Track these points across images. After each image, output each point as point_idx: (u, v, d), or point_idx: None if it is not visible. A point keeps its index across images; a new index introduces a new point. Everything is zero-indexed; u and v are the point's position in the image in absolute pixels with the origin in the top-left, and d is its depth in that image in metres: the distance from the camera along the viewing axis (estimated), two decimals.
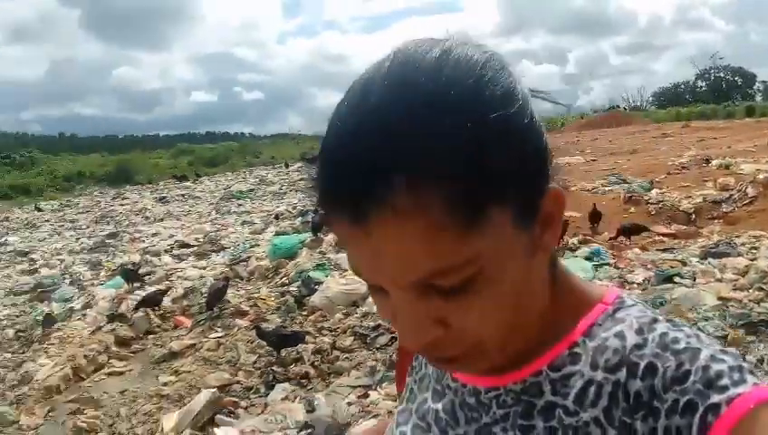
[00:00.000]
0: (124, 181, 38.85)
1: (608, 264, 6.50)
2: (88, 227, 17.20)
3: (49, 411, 5.16)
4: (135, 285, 8.48)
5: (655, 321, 0.59)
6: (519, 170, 0.52)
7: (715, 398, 0.50)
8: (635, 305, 0.62)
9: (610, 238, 7.72)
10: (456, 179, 0.48)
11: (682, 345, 0.55)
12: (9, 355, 6.74)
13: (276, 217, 13.44)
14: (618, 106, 58.37)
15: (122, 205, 22.87)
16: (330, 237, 8.79)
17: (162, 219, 17.04)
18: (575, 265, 6.14)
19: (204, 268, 9.28)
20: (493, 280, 0.53)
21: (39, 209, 24.26)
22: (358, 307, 6.30)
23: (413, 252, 0.50)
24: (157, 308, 7.19)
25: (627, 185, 11.32)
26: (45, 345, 6.76)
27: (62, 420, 4.98)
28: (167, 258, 10.46)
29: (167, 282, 8.68)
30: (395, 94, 0.50)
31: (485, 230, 0.51)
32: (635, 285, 5.68)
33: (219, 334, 6.31)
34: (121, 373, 5.86)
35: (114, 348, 6.39)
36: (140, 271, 9.11)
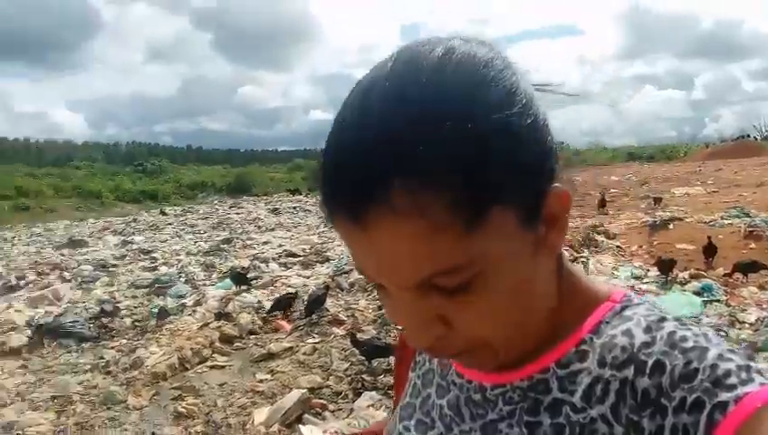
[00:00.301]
0: (242, 192, 41.16)
1: (718, 300, 6.11)
2: (205, 232, 18.37)
3: (154, 395, 5.59)
4: (242, 287, 8.98)
5: (663, 319, 0.59)
6: (521, 171, 0.52)
7: (723, 396, 0.50)
8: (642, 304, 0.62)
9: (725, 274, 7.26)
10: (455, 181, 0.48)
11: (690, 344, 0.55)
12: (125, 341, 7.33)
13: None
14: (748, 135, 54.22)
15: (238, 213, 24.27)
16: None
17: (273, 229, 17.89)
18: (682, 300, 5.81)
19: (308, 277, 9.65)
20: (495, 280, 0.53)
21: (164, 213, 26.24)
22: None
23: (413, 254, 0.49)
24: (289, 310, 7.59)
25: (749, 219, 10.53)
26: (157, 335, 7.30)
27: (165, 404, 5.38)
28: (274, 265, 10.96)
29: (272, 287, 9.12)
30: (396, 95, 0.50)
31: (487, 231, 0.50)
32: (746, 325, 5.30)
33: (316, 340, 6.60)
34: (222, 367, 6.23)
35: (218, 344, 6.80)
36: (248, 275, 9.61)
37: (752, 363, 0.53)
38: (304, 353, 6.13)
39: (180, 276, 10.58)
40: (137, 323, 8.08)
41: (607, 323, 0.60)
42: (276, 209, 24.27)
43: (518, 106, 0.52)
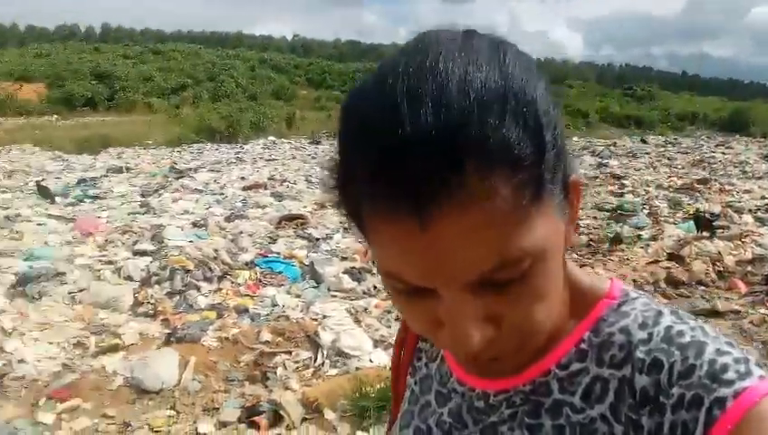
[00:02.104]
0: (736, 130, 36.76)
1: None
2: (683, 168, 17.40)
3: None
4: (704, 233, 8.43)
5: (659, 314, 0.58)
6: (561, 155, 0.51)
7: (721, 391, 0.50)
8: (639, 298, 0.61)
9: None
10: (521, 162, 0.46)
11: (687, 339, 0.54)
12: (576, 256, 7.88)
13: None
14: None
15: (724, 154, 21.99)
16: None
17: (761, 177, 15.73)
18: None
19: None
20: (544, 272, 0.51)
21: (644, 141, 25.72)
22: None
23: (481, 244, 0.47)
24: None
25: None
26: (606, 259, 7.60)
27: None
28: (748, 218, 9.84)
29: (738, 242, 8.30)
30: (457, 77, 0.46)
31: (543, 215, 0.49)
32: None
33: None
34: None
35: (662, 284, 6.70)
36: (715, 223, 8.92)
37: (750, 356, 0.52)
38: (751, 323, 5.55)
39: (644, 208, 10.51)
40: (591, 243, 8.51)
41: (605, 320, 0.60)
42: None
43: (547, 99, 0.51)
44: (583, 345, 0.59)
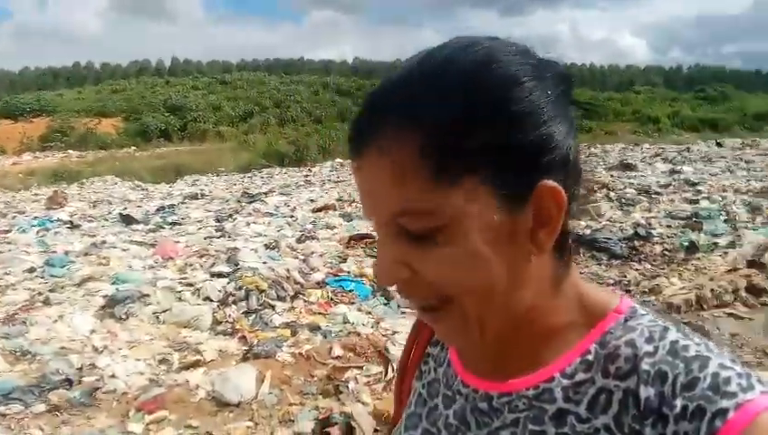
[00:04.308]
0: None
1: None
2: (762, 171, 16.59)
3: None
4: None
5: (666, 329, 0.59)
6: (503, 151, 0.55)
7: (723, 403, 0.51)
8: (647, 314, 0.62)
9: None
10: (434, 132, 0.54)
11: (692, 353, 0.56)
12: (650, 266, 7.67)
13: None
14: None
15: None
16: None
17: None
18: None
19: None
20: (455, 241, 0.56)
21: (719, 145, 24.68)
22: None
23: (388, 187, 0.56)
24: None
25: None
26: (682, 268, 7.36)
27: None
28: None
29: None
30: (413, 67, 0.59)
31: (455, 191, 0.54)
32: None
33: None
34: (741, 318, 5.92)
35: (743, 293, 6.43)
36: None
37: (752, 372, 0.54)
38: None
39: (721, 214, 10.11)
40: (666, 252, 8.26)
41: (611, 333, 0.61)
42: None
43: (516, 93, 0.55)
44: (589, 356, 0.61)
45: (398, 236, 0.57)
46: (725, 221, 9.70)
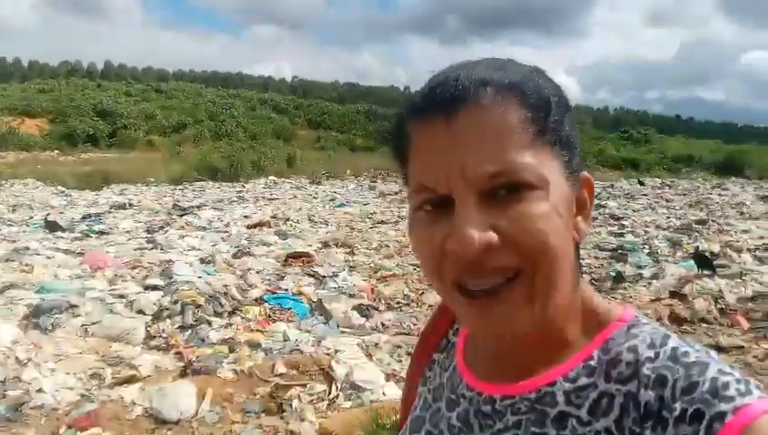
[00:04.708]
0: (732, 172, 37.20)
1: None
2: (680, 209, 17.63)
3: None
4: (705, 272, 8.55)
5: (667, 337, 0.61)
6: (570, 140, 0.62)
7: (722, 407, 0.52)
8: (649, 323, 0.64)
9: None
10: (533, 101, 0.59)
11: (692, 359, 0.57)
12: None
13: None
14: None
15: (720, 195, 22.31)
16: None
17: (758, 218, 15.94)
18: None
19: None
20: (543, 202, 0.58)
21: (641, 183, 26.06)
22: None
23: (492, 140, 0.58)
24: None
25: None
26: (609, 297, 7.66)
27: None
28: (747, 257, 9.97)
29: (738, 280, 8.41)
30: (485, 58, 0.65)
31: (544, 156, 0.59)
32: None
33: None
34: None
35: (666, 322, 6.77)
36: (715, 261, 9.05)
37: (750, 379, 0.55)
38: (755, 357, 5.63)
39: (644, 247, 10.64)
40: (594, 282, 8.59)
41: (614, 340, 0.63)
42: (767, 197, 21.35)
43: (566, 101, 0.64)
44: (592, 362, 0.62)
45: (485, 200, 0.58)
46: (648, 254, 10.22)
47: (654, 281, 8.33)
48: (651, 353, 0.59)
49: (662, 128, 64.15)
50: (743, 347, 5.95)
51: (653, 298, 7.44)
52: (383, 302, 7.17)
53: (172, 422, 3.75)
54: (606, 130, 64.60)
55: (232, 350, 5.05)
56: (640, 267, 9.24)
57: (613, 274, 8.62)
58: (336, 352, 4.92)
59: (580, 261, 0.66)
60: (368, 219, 14.37)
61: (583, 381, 0.62)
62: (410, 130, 0.62)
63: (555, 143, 0.60)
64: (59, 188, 18.56)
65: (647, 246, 10.76)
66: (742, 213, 17.04)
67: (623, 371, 0.60)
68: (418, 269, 9.29)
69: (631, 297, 7.57)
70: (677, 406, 0.54)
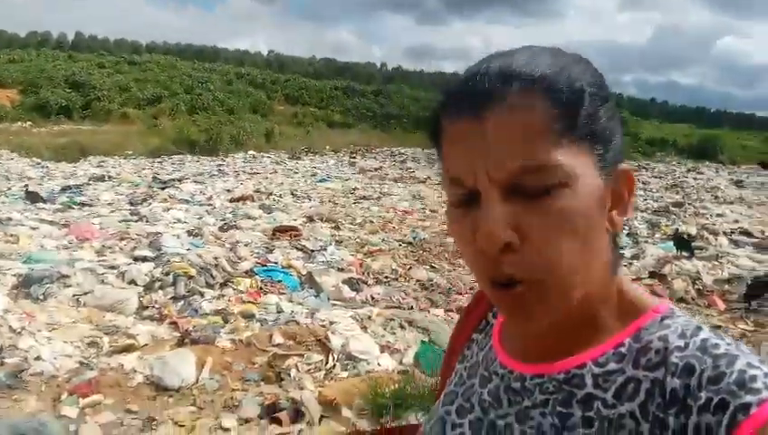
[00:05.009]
0: (705, 157, 37.91)
1: None
2: (657, 192, 17.99)
3: None
4: (683, 253, 8.79)
5: (699, 328, 0.62)
6: (606, 132, 0.61)
7: (747, 398, 0.52)
8: (683, 316, 0.65)
9: None
10: (562, 98, 0.58)
11: (721, 350, 0.58)
12: None
13: None
14: None
15: (696, 179, 22.80)
16: None
17: (732, 202, 16.36)
18: None
19: (760, 262, 8.80)
20: (571, 197, 0.58)
21: None
22: None
23: (517, 141, 0.58)
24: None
25: None
26: None
27: None
28: (723, 240, 10.27)
29: (715, 262, 8.67)
30: (524, 47, 0.64)
31: (573, 153, 0.58)
32: None
33: (749, 328, 6.19)
34: None
35: None
36: (693, 243, 9.31)
37: None
38: (731, 336, 5.85)
39: (624, 229, 10.86)
40: None
41: (647, 329, 0.63)
42: (740, 182, 21.89)
43: (607, 89, 0.63)
44: (622, 349, 0.63)
45: (510, 196, 0.58)
46: (628, 235, 10.44)
47: (635, 261, 8.56)
48: (681, 343, 0.60)
49: (637, 111, 64.72)
50: (720, 327, 6.16)
51: (633, 278, 7.63)
52: (372, 276, 7.25)
53: (173, 389, 3.79)
54: None
55: (226, 320, 5.09)
56: (621, 248, 9.42)
57: None
58: (331, 323, 4.99)
59: (621, 251, 0.68)
60: (350, 195, 14.40)
61: (612, 366, 0.62)
62: (444, 121, 0.63)
63: (587, 138, 0.59)
64: (34, 159, 18.19)
65: (626, 227, 10.99)
66: (716, 197, 17.47)
67: (652, 358, 0.60)
68: (404, 245, 9.41)
69: None
70: (703, 395, 0.54)
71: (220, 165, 19.63)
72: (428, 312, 6.12)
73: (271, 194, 13.05)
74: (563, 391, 0.64)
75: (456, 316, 6.13)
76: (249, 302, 5.71)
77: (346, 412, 3.63)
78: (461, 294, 6.99)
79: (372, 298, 6.37)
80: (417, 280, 7.37)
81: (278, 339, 4.52)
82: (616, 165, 0.62)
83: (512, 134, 0.58)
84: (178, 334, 4.68)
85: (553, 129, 0.57)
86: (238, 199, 11.81)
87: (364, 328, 4.99)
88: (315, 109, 42.07)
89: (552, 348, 0.66)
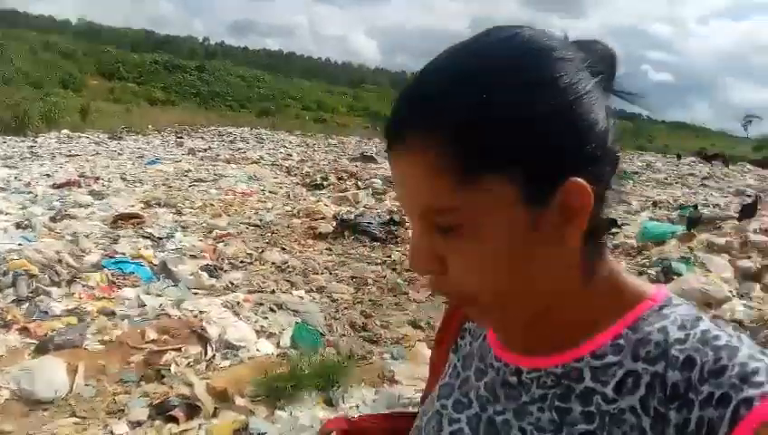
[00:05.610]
0: None
1: None
2: None
3: (429, 295, 6.52)
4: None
5: (698, 319, 0.60)
6: (529, 151, 0.55)
7: (749, 392, 0.51)
8: (682, 305, 0.63)
9: None
10: (459, 132, 0.55)
11: (722, 342, 0.56)
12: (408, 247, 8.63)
13: (654, 205, 13.39)
14: None
15: None
16: (703, 237, 8.68)
17: None
18: None
19: None
20: (477, 236, 0.57)
21: None
22: (711, 309, 6.28)
23: (417, 185, 0.58)
24: None
25: None
26: None
27: (438, 303, 6.24)
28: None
29: None
30: (448, 60, 0.60)
31: (480, 190, 0.56)
32: None
33: None
34: None
35: None
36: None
37: None
38: None
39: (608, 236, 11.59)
40: None
41: (644, 319, 0.62)
42: None
43: (547, 94, 0.56)
44: (620, 341, 0.61)
45: (429, 229, 0.60)
46: None
47: None
48: (681, 335, 0.58)
49: None
50: None
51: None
52: (227, 261, 7.13)
53: (47, 402, 3.51)
54: None
55: (82, 320, 4.76)
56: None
57: None
58: (201, 313, 4.89)
59: (603, 241, 0.65)
60: (184, 177, 13.80)
61: (610, 358, 0.61)
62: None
63: (505, 165, 0.55)
64: None
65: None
66: None
67: (651, 350, 0.59)
68: (251, 228, 9.32)
69: None
70: (705, 389, 0.53)
71: (32, 146, 17.65)
72: (291, 294, 6.20)
73: (98, 178, 12.08)
74: (561, 385, 0.63)
75: (317, 296, 6.25)
76: (104, 298, 5.37)
77: (240, 401, 3.65)
78: (317, 274, 7.16)
79: (232, 284, 6.30)
80: (272, 263, 7.39)
81: (152, 335, 4.35)
82: (563, 178, 0.56)
83: (413, 174, 0.58)
84: (34, 341, 4.29)
85: (451, 170, 0.56)
86: (63, 185, 10.79)
87: (236, 314, 4.97)
88: (134, 84, 39.13)
89: (547, 340, 0.66)
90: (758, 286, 7.22)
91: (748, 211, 9.63)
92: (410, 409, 3.69)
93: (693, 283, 6.78)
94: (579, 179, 0.56)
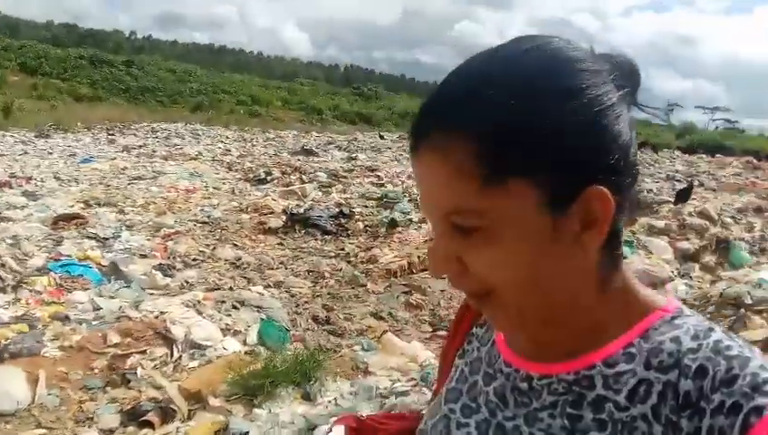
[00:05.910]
0: None
1: None
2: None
3: (387, 286, 6.67)
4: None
5: (711, 330, 0.61)
6: (553, 158, 0.56)
7: (760, 401, 0.52)
8: (694, 316, 0.64)
9: None
10: (485, 137, 0.56)
11: (734, 352, 0.57)
12: (362, 239, 8.64)
13: None
14: None
15: None
16: (643, 220, 9.05)
17: None
18: None
19: None
20: (499, 238, 0.58)
21: (382, 137, 28.22)
22: (656, 288, 6.58)
23: (440, 187, 0.58)
24: None
25: None
26: (389, 241, 8.47)
27: (397, 294, 6.42)
28: None
29: None
30: (478, 64, 0.61)
31: (503, 194, 0.56)
32: None
33: None
34: (444, 278, 7.14)
35: None
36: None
37: None
38: None
39: (405, 195, 11.76)
40: (368, 228, 9.33)
41: (656, 329, 0.63)
42: None
43: (574, 104, 0.56)
44: (632, 349, 0.62)
45: (450, 231, 0.60)
46: (410, 201, 11.34)
47: (423, 225, 9.37)
48: (694, 345, 0.59)
49: (389, 86, 69.32)
50: None
51: (426, 239, 8.39)
52: (179, 260, 6.92)
53: (9, 414, 3.31)
54: (338, 85, 67.67)
55: (33, 326, 4.51)
56: (406, 213, 10.25)
57: (386, 220, 9.43)
58: (162, 313, 4.73)
59: (619, 252, 0.65)
60: (121, 175, 13.29)
61: (623, 366, 0.62)
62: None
63: (529, 171, 0.56)
64: None
65: (407, 195, 11.90)
66: None
67: (664, 360, 0.60)
68: (199, 224, 9.08)
69: (407, 240, 8.45)
70: (716, 397, 0.54)
71: None
72: (250, 290, 6.08)
73: (31, 178, 11.47)
74: (573, 392, 0.63)
75: (276, 292, 6.15)
76: (53, 302, 5.11)
77: (214, 401, 3.55)
78: (273, 269, 7.06)
79: (188, 283, 6.12)
80: (226, 259, 7.23)
81: (114, 338, 4.17)
82: (583, 186, 0.57)
83: (436, 177, 0.59)
84: None
85: (477, 172, 0.56)
86: None
87: (200, 313, 4.83)
88: (58, 80, 37.24)
89: (558, 346, 0.66)
90: (697, 266, 7.62)
91: (683, 195, 10.16)
92: (390, 399, 3.78)
93: (638, 264, 7.08)
94: (602, 187, 0.57)
